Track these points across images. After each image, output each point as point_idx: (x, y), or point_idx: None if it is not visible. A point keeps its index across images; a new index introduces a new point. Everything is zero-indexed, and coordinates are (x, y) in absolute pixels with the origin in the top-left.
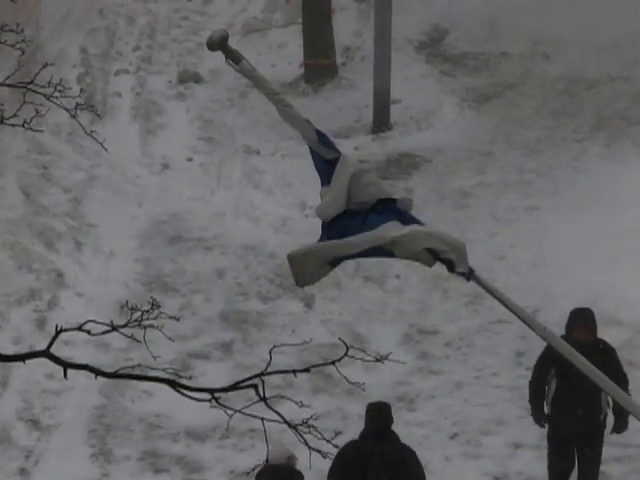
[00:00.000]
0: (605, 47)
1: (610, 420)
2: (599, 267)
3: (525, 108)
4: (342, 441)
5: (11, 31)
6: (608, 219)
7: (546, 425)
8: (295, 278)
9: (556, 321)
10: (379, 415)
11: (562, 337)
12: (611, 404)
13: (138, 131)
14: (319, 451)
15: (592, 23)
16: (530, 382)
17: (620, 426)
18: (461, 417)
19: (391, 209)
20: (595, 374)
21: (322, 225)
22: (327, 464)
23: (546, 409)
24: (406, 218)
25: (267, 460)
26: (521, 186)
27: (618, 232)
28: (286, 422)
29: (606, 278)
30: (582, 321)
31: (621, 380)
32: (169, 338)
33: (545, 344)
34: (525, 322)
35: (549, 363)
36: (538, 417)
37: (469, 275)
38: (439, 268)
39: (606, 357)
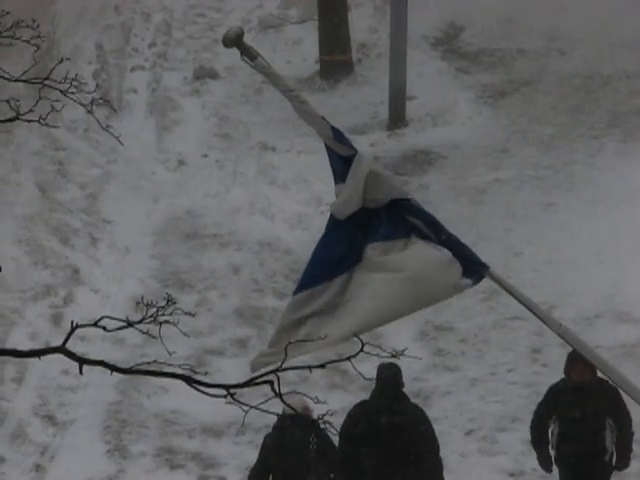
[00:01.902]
0: (621, 43)
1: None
2: (615, 264)
3: (541, 104)
4: None
5: (27, 27)
6: (624, 215)
7: (554, 468)
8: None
9: (572, 317)
10: (389, 375)
11: (561, 381)
12: (615, 442)
13: (154, 127)
14: None
15: (608, 19)
16: (531, 427)
17: (622, 464)
18: (476, 413)
19: (394, 220)
20: (616, 375)
21: (329, 222)
22: None
23: (551, 452)
24: (409, 227)
25: (283, 411)
26: (537, 182)
27: (634, 228)
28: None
29: (622, 275)
30: (580, 361)
31: (624, 419)
32: (184, 334)
33: (545, 391)
34: (541, 318)
35: (549, 408)
36: (545, 462)
37: (483, 272)
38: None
39: (608, 396)
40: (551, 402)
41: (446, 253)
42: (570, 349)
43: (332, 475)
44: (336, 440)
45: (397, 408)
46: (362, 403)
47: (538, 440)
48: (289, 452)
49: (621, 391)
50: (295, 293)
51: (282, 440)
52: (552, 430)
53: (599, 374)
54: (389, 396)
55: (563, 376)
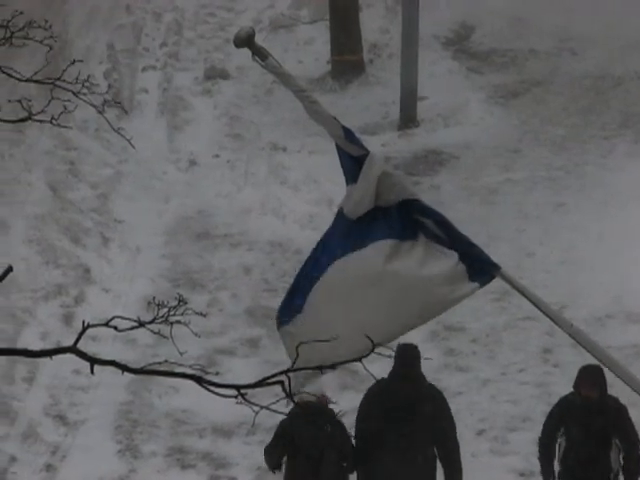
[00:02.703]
0: (632, 44)
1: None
2: (627, 264)
3: (552, 105)
4: None
5: (39, 27)
6: (636, 216)
7: None
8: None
9: (583, 318)
10: (405, 356)
11: (570, 394)
12: (622, 463)
13: (165, 127)
14: None
15: (619, 20)
16: (539, 440)
17: None
18: (488, 414)
19: (404, 220)
20: (627, 375)
21: (338, 219)
22: None
23: (556, 467)
24: (417, 228)
25: (300, 398)
26: (549, 183)
27: None
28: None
29: (634, 275)
30: (590, 378)
31: (632, 440)
32: (196, 334)
33: (555, 403)
34: (552, 319)
35: (558, 421)
36: (547, 475)
37: (495, 273)
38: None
39: (617, 415)
40: (560, 415)
41: (451, 258)
42: (583, 361)
43: (345, 463)
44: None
45: (413, 387)
46: (379, 382)
47: (545, 454)
48: (304, 438)
49: (628, 411)
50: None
51: (297, 426)
52: (560, 443)
53: (609, 392)
54: (406, 376)
55: (573, 387)
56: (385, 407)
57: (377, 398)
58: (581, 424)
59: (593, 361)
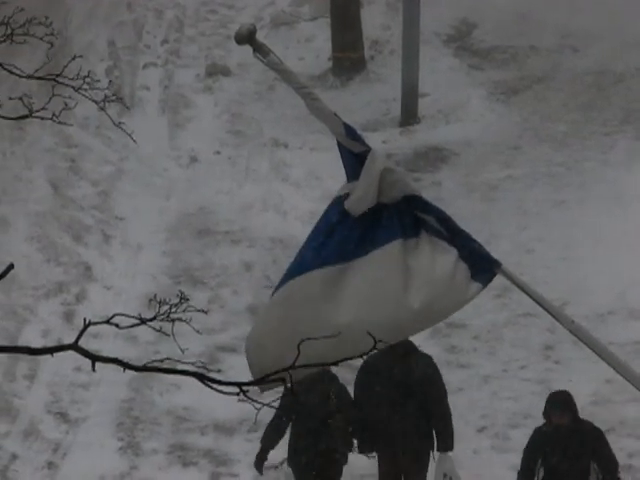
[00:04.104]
0: (634, 41)
1: None
2: (627, 260)
3: (553, 102)
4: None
5: (40, 24)
6: (636, 212)
7: None
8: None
9: (585, 314)
10: None
11: (543, 424)
12: None
13: (166, 124)
14: None
15: (621, 17)
16: (518, 473)
17: None
18: (489, 410)
19: (405, 217)
20: (628, 372)
21: (337, 212)
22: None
23: None
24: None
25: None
26: (549, 179)
27: None
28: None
29: (634, 272)
30: (559, 405)
31: (609, 464)
32: (197, 331)
33: (532, 431)
34: (553, 315)
35: (535, 452)
36: None
37: (496, 269)
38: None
39: (594, 440)
40: (536, 446)
41: (453, 255)
42: (584, 357)
43: (350, 429)
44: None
45: (407, 357)
46: (373, 355)
47: None
48: (309, 406)
49: (604, 434)
50: (293, 276)
51: (303, 394)
52: (538, 473)
53: (580, 416)
54: (400, 346)
55: (543, 416)
56: (380, 376)
57: (372, 368)
58: (557, 452)
59: (594, 358)
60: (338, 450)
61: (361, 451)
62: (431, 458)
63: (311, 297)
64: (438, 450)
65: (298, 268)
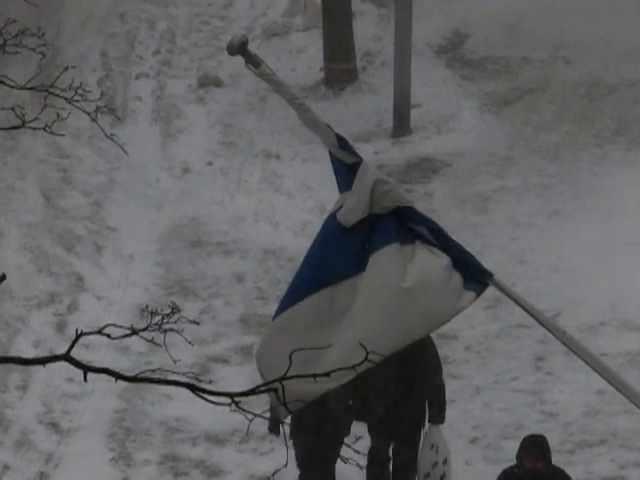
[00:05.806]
0: (626, 52)
1: None
2: (620, 272)
3: (546, 113)
4: (362, 446)
5: (32, 35)
6: (629, 224)
7: None
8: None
9: (577, 325)
10: None
11: (514, 466)
12: None
13: (158, 135)
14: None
15: (613, 28)
16: None
17: None
18: (481, 421)
19: (399, 227)
20: (621, 384)
21: (331, 227)
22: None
23: None
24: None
25: None
26: (541, 190)
27: (639, 237)
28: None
29: (627, 283)
30: (533, 450)
31: None
32: (189, 342)
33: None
34: (545, 326)
35: None
36: None
37: (488, 280)
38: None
39: None
40: None
41: (448, 262)
42: (577, 368)
43: (351, 401)
44: None
45: None
46: None
47: None
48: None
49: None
50: (292, 304)
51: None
52: None
53: (553, 463)
54: None
55: (516, 459)
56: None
57: None
58: None
59: (586, 369)
60: (340, 419)
61: (359, 419)
62: (422, 432)
63: (312, 322)
64: (429, 422)
65: (297, 293)
